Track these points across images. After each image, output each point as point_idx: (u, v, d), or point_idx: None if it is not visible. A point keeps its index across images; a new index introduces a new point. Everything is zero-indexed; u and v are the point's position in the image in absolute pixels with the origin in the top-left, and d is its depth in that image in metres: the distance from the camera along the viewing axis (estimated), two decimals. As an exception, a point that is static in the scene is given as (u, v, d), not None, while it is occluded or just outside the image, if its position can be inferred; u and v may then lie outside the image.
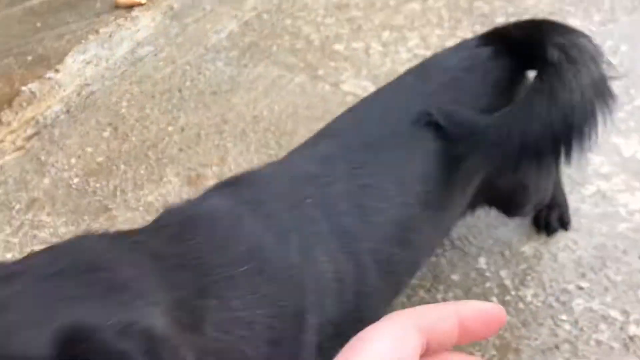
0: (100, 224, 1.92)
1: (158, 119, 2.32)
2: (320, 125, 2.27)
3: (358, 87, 2.43)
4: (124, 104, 2.41)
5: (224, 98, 2.41)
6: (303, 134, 2.22)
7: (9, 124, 2.35)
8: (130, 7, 3.00)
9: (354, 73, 2.51)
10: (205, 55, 2.65)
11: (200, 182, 2.04)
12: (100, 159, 2.16)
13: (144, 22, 2.91)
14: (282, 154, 2.14)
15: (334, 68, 2.54)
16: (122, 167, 2.13)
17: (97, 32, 2.86)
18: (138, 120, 2.33)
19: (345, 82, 2.46)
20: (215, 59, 2.63)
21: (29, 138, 2.28)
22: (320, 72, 2.53)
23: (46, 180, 2.09)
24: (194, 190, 1.97)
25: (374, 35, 2.71)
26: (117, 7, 3.02)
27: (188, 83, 2.50)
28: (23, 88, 2.52)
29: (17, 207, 1.99)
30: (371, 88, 2.42)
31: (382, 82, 2.43)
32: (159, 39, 2.78)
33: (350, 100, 2.35)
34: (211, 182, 1.99)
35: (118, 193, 2.03)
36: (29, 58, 2.72)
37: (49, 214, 1.96)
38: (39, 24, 2.95)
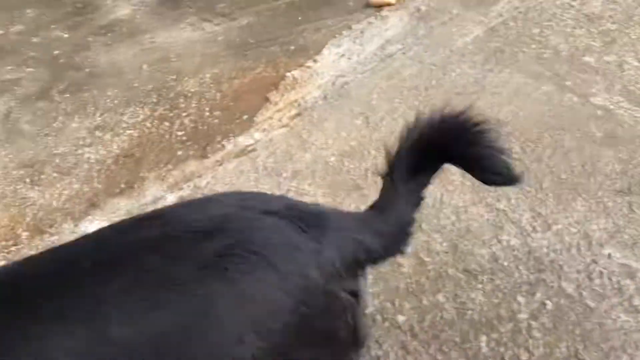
0: (352, 200, 2.16)
1: (405, 113, 2.50)
2: (567, 137, 2.31)
3: (610, 101, 2.38)
4: (374, 96, 2.64)
5: (468, 99, 2.52)
6: (548, 143, 2.26)
7: (276, 103, 2.71)
8: (380, 7, 3.25)
9: (605, 87, 2.46)
10: (451, 57, 2.78)
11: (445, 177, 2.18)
12: (353, 143, 2.41)
13: (393, 22, 3.13)
14: (527, 160, 2.22)
15: (583, 80, 2.51)
16: (373, 152, 2.35)
17: (350, 28, 3.14)
18: (387, 112, 2.53)
19: (595, 95, 2.43)
20: (460, 61, 2.75)
21: (293, 117, 2.60)
22: (568, 82, 2.51)
23: (307, 156, 2.38)
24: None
25: (629, 50, 2.62)
26: (369, 6, 3.28)
27: (434, 82, 2.65)
28: (287, 74, 2.88)
29: (284, 175, 2.31)
30: (624, 104, 2.36)
31: (638, 99, 2.38)
32: (407, 39, 2.98)
33: (601, 114, 2.33)
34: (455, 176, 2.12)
35: (369, 174, 2.25)
36: (292, 47, 3.09)
37: (310, 185, 2.25)
38: (300, 18, 3.32)
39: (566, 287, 1.76)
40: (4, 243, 2.11)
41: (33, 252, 2.04)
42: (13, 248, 2.08)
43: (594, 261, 1.82)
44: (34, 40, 3.61)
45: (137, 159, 2.44)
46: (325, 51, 3.01)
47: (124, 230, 1.08)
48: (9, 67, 3.34)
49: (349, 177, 2.27)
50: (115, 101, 2.85)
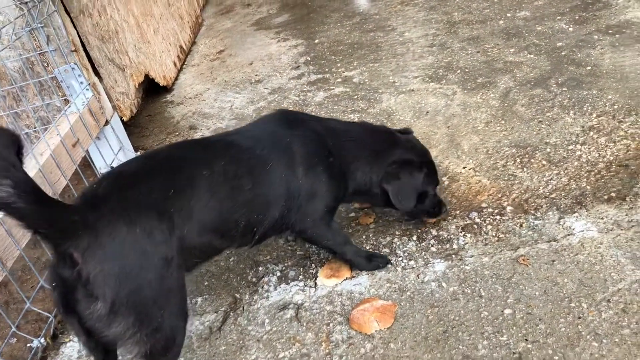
0: None
1: None
2: None
3: None
4: None
5: None
6: None
7: None
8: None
9: None
10: None
11: None
12: None
13: None
14: None
15: None
16: None
17: None
18: None
19: None
20: None
21: None
22: None
23: None
24: None
25: None
26: None
27: None
28: None
29: None
30: None
31: None
32: None
33: None
34: None
35: None
36: None
37: None
38: None
39: None
40: (490, 210, 2.34)
41: (514, 226, 2.21)
42: (497, 217, 2.29)
43: None
44: (538, 28, 3.80)
45: (631, 172, 2.35)
46: None
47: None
48: (512, 50, 3.60)
49: None
50: (615, 106, 2.78)
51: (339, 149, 2.09)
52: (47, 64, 2.90)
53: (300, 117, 2.18)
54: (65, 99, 2.99)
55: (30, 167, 2.37)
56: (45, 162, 2.42)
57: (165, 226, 1.59)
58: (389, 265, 2.16)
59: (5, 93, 2.98)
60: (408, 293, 2.02)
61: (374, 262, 2.16)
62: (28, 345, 2.17)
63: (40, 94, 2.99)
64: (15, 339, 2.23)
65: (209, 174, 1.77)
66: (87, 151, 2.87)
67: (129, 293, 1.49)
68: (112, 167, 3.05)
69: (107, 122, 3.10)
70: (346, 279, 2.15)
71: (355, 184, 2.14)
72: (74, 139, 2.70)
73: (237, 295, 2.19)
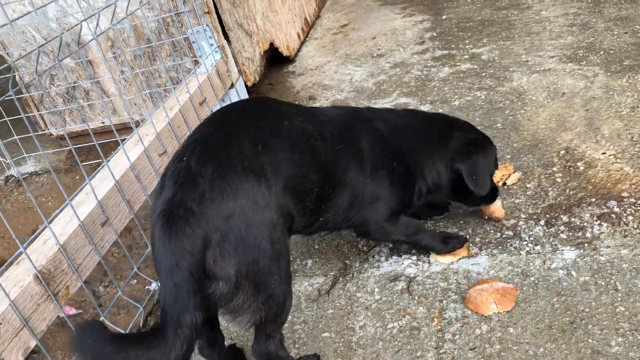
0: None
1: None
2: None
3: None
4: None
5: None
6: None
7: None
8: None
9: None
10: None
11: None
12: None
13: None
14: None
15: None
16: None
17: None
18: None
19: None
20: None
21: None
22: None
23: None
24: None
25: None
26: None
27: None
28: None
29: None
30: None
31: None
32: None
33: None
34: None
35: None
36: None
37: None
38: None
39: None
40: (632, 200, 2.11)
41: (660, 221, 1.97)
42: (640, 208, 2.06)
43: None
44: (701, 9, 3.38)
45: None
46: None
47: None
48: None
49: None
50: None
51: (403, 149, 1.97)
52: (182, 24, 3.00)
53: (366, 115, 2.04)
54: (195, 60, 3.09)
55: (161, 120, 2.47)
56: (174, 116, 2.50)
57: (264, 187, 1.52)
58: (512, 248, 2.02)
59: (142, 52, 3.13)
60: (532, 278, 1.87)
61: (450, 244, 2.05)
62: (146, 287, 2.27)
63: (173, 54, 3.12)
64: (135, 281, 2.34)
65: (290, 126, 1.71)
66: (211, 111, 2.95)
67: (248, 267, 1.45)
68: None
69: (232, 85, 3.17)
70: (463, 257, 2.04)
71: (425, 183, 2.02)
72: (202, 98, 2.78)
73: (347, 262, 2.15)
